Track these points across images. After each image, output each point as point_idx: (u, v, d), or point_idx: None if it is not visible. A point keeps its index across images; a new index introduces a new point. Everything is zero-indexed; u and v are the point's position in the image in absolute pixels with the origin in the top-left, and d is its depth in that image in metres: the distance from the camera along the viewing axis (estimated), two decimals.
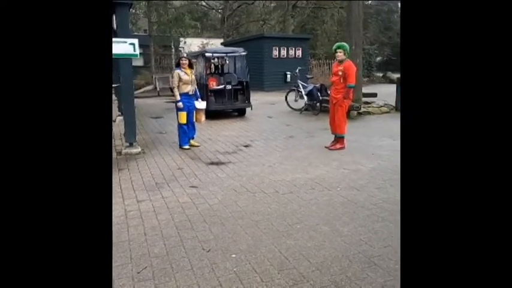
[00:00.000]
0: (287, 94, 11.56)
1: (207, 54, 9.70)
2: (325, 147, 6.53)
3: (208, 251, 3.05)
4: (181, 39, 21.66)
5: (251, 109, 10.18)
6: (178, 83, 6.47)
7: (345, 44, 6.49)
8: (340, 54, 6.28)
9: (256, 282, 2.63)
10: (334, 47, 6.45)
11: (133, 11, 19.62)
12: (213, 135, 7.85)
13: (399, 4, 38.15)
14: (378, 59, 28.06)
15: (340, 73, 6.28)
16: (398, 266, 2.78)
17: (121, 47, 5.97)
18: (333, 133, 6.60)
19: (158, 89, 16.35)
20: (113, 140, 7.17)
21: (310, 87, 10.46)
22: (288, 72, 16.94)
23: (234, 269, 2.78)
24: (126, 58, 6.16)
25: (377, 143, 6.86)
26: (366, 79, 20.34)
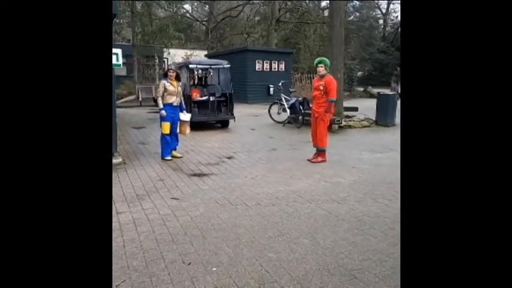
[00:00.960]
0: (270, 107, 11.64)
1: (190, 65, 9.71)
2: (308, 159, 6.58)
3: (188, 264, 3.01)
4: (165, 49, 21.63)
5: (234, 121, 10.21)
6: (163, 93, 6.46)
7: (325, 59, 6.62)
8: (321, 69, 6.39)
9: None
10: (315, 62, 6.58)
11: (117, 20, 19.55)
12: (195, 146, 7.81)
13: (380, 21, 39.10)
14: (359, 73, 28.60)
15: (321, 87, 6.38)
16: (378, 280, 2.81)
17: None
18: (314, 146, 6.68)
19: (140, 99, 16.23)
20: None
21: (292, 100, 10.56)
22: (271, 85, 17.08)
23: (215, 283, 2.76)
24: None
25: (357, 156, 6.96)
26: (347, 93, 20.66)
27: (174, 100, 6.54)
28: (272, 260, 3.09)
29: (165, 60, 21.59)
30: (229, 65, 10.18)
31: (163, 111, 6.47)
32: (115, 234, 3.54)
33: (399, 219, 3.75)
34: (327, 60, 6.53)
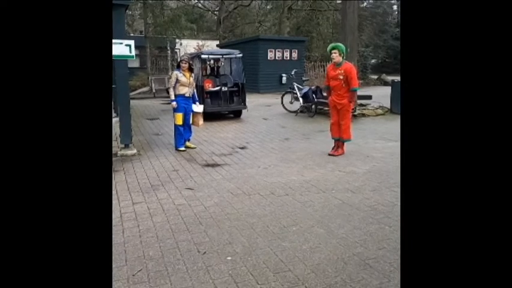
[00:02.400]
0: (283, 96, 11.58)
1: (202, 56, 9.70)
2: (329, 154, 6.21)
3: (203, 254, 3.04)
4: (177, 40, 21.64)
5: (247, 111, 10.20)
6: (175, 84, 6.47)
7: (340, 44, 6.19)
8: (335, 55, 5.95)
9: (251, 285, 2.63)
10: (328, 48, 6.15)
11: (130, 12, 19.60)
12: (208, 137, 7.84)
13: (394, 7, 38.38)
14: (373, 61, 28.15)
15: (341, 77, 5.95)
16: (393, 268, 2.80)
17: (117, 48, 5.96)
18: (333, 138, 6.33)
19: (154, 91, 16.32)
20: None
21: (305, 89, 10.48)
22: (284, 74, 16.97)
23: (230, 272, 2.78)
24: (122, 59, 6.15)
25: (372, 145, 6.89)
26: (360, 81, 20.39)
27: (186, 91, 6.56)
28: (286, 249, 3.10)
29: (178, 51, 21.62)
30: (241, 55, 10.14)
31: (174, 103, 6.49)
32: (131, 224, 3.59)
33: None
34: (342, 46, 6.07)
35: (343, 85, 5.98)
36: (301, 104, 10.56)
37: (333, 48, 5.99)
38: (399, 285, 2.60)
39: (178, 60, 7.15)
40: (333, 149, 6.31)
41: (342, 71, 5.92)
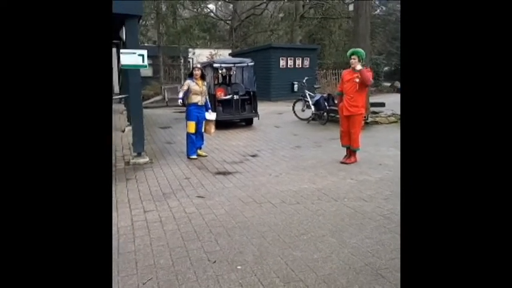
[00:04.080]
0: (294, 104, 11.57)
1: (215, 64, 9.78)
2: (341, 162, 6.18)
3: (214, 262, 3.03)
4: (190, 50, 21.87)
5: (258, 119, 10.21)
6: (188, 93, 6.54)
7: (360, 50, 6.15)
8: (353, 61, 5.93)
9: None
10: (348, 53, 6.12)
11: (144, 22, 19.90)
12: (220, 145, 7.87)
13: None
14: (386, 68, 27.97)
15: (357, 80, 5.89)
16: None
17: (130, 58, 6.05)
18: (344, 146, 6.32)
19: (167, 100, 16.48)
20: (121, 150, 7.22)
21: (317, 97, 10.46)
22: (295, 82, 16.96)
23: (240, 281, 2.77)
24: (135, 69, 6.23)
25: (384, 153, 6.81)
26: (373, 89, 20.29)
27: (199, 99, 6.60)
28: (297, 259, 3.07)
29: (190, 60, 21.84)
30: (252, 63, 10.18)
31: (180, 100, 6.65)
32: (142, 232, 3.61)
33: None
34: (361, 51, 6.03)
35: (357, 89, 5.96)
36: (313, 112, 10.53)
37: (353, 54, 6.00)
38: None
39: (191, 69, 7.23)
40: (345, 157, 6.27)
41: (358, 75, 5.89)
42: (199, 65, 6.94)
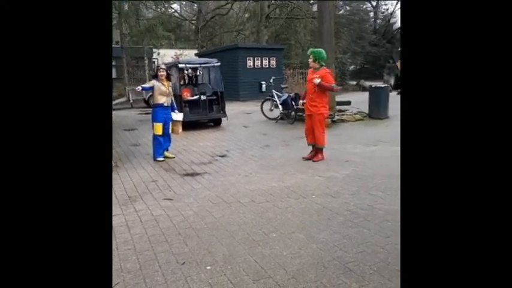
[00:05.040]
0: (262, 104, 11.61)
1: (180, 65, 9.67)
2: (303, 158, 6.31)
3: (182, 264, 2.99)
4: (154, 50, 21.49)
5: (227, 119, 10.18)
6: (154, 93, 6.44)
7: (316, 50, 6.26)
8: (310, 61, 6.09)
9: None
10: (308, 53, 6.26)
11: None
12: (188, 146, 7.78)
13: (371, 14, 39.15)
14: (352, 67, 28.57)
15: (315, 81, 6.00)
16: (372, 271, 2.81)
17: None
18: (309, 144, 6.41)
19: (131, 101, 16.11)
20: None
21: (284, 96, 10.54)
22: (263, 82, 17.03)
23: (209, 281, 2.74)
24: None
25: (351, 150, 6.96)
26: (339, 87, 20.66)
27: (165, 100, 6.51)
28: (266, 256, 3.08)
29: (155, 61, 21.47)
30: (219, 63, 10.14)
31: (139, 87, 6.72)
32: None
33: (393, 211, 3.78)
34: (318, 51, 6.14)
35: (316, 90, 6.07)
36: (281, 111, 10.61)
37: (310, 54, 6.13)
38: None
39: (155, 70, 7.13)
40: (310, 153, 6.35)
41: (318, 75, 6.01)
42: (163, 66, 6.83)
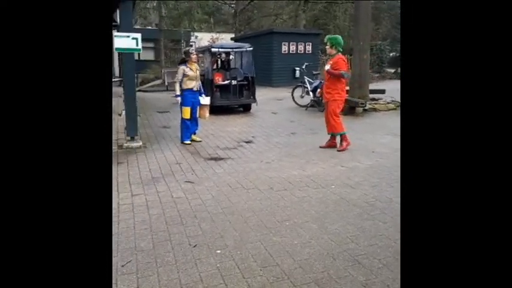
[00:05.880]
0: (293, 90, 11.51)
1: (213, 49, 9.72)
2: (320, 146, 6.30)
3: (194, 247, 3.08)
4: (192, 33, 21.69)
5: (256, 105, 10.18)
6: (183, 78, 6.51)
7: (333, 36, 6.23)
8: (327, 47, 6.08)
9: (237, 278, 2.65)
10: (325, 40, 6.25)
11: (145, 4, 19.73)
12: (215, 130, 7.88)
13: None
14: (391, 54, 27.59)
15: (326, 67, 6.06)
16: (382, 265, 2.77)
17: (123, 41, 6.03)
18: (328, 133, 6.35)
19: (166, 83, 16.43)
20: (116, 134, 7.26)
21: (316, 83, 10.39)
22: (297, 68, 16.82)
23: (217, 265, 2.81)
24: (129, 52, 6.22)
25: (379, 140, 6.79)
26: (376, 75, 20.09)
27: (194, 85, 6.59)
28: (276, 244, 3.10)
29: (192, 44, 21.70)
30: (251, 48, 10.10)
31: (179, 98, 6.57)
32: (127, 215, 3.66)
33: None
34: (334, 38, 6.09)
35: (330, 77, 6.04)
36: (312, 98, 10.48)
37: (327, 41, 6.09)
38: (386, 282, 2.58)
39: (183, 54, 7.16)
40: (328, 142, 6.31)
41: (332, 63, 5.99)
42: (190, 49, 6.88)
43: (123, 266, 2.79)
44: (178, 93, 6.56)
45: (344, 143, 6.16)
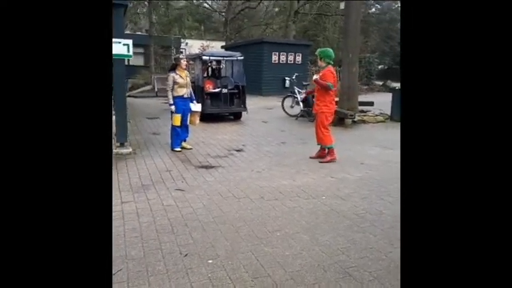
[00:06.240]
0: (283, 100, 11.58)
1: (203, 57, 9.75)
2: (310, 157, 6.34)
3: (185, 256, 3.06)
4: (182, 40, 21.70)
5: (247, 113, 10.21)
6: (173, 86, 6.50)
7: (323, 49, 6.36)
8: (318, 60, 6.24)
9: None
10: (316, 53, 6.38)
11: (136, 10, 19.70)
12: (206, 138, 7.86)
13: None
14: (379, 67, 28.05)
15: (314, 77, 6.19)
16: (372, 278, 2.80)
17: (115, 47, 6.00)
18: (318, 144, 6.41)
19: (156, 90, 16.36)
20: None
21: (303, 96, 10.48)
22: (287, 78, 16.94)
23: (209, 275, 2.79)
24: (119, 58, 6.19)
25: (368, 152, 6.87)
26: (365, 87, 20.37)
27: (185, 92, 6.58)
28: (268, 254, 3.10)
29: (183, 51, 21.70)
30: (242, 57, 10.16)
31: (173, 107, 6.54)
32: (117, 223, 3.61)
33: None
34: (323, 51, 6.20)
35: (319, 89, 6.14)
36: (302, 109, 10.57)
37: (317, 54, 6.22)
38: None
39: (173, 61, 7.14)
40: (317, 152, 6.36)
41: (321, 74, 6.07)
42: (182, 56, 6.89)
43: (114, 274, 2.75)
44: (171, 101, 6.54)
45: (328, 157, 6.16)
